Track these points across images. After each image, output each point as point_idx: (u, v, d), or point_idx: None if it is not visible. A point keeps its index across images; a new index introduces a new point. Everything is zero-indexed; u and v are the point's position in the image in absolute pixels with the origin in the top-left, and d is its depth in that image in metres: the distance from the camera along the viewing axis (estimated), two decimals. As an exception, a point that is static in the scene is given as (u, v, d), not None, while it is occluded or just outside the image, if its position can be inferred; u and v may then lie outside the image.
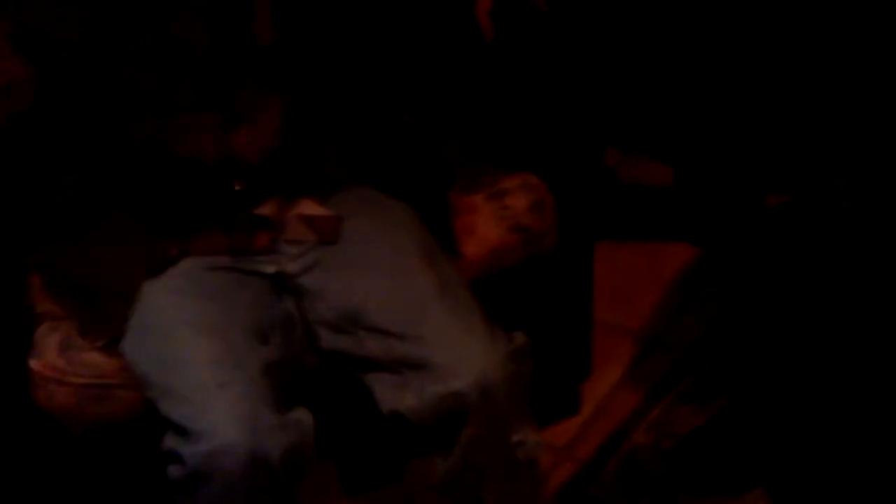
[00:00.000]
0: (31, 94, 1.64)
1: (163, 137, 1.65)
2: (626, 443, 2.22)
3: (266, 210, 1.73)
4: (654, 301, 2.48)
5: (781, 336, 2.31)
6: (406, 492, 1.90)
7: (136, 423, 1.67)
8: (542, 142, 2.07)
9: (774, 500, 2.08)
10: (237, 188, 1.72)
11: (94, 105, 1.65)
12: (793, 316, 2.32)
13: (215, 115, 1.67)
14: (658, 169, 2.67)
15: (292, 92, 1.71)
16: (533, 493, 1.76)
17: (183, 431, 1.55)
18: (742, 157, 2.56)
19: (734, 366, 2.31)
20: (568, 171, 2.11)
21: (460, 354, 1.62)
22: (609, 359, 2.36)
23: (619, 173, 2.66)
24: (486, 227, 1.93)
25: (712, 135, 2.54)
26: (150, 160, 1.67)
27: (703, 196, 2.63)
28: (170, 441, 1.56)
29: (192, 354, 1.60)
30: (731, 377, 2.29)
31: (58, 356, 1.68)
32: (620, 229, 2.60)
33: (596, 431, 2.25)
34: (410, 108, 1.86)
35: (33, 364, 1.69)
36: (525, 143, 2.06)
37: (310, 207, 1.75)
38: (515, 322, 2.10)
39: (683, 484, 2.12)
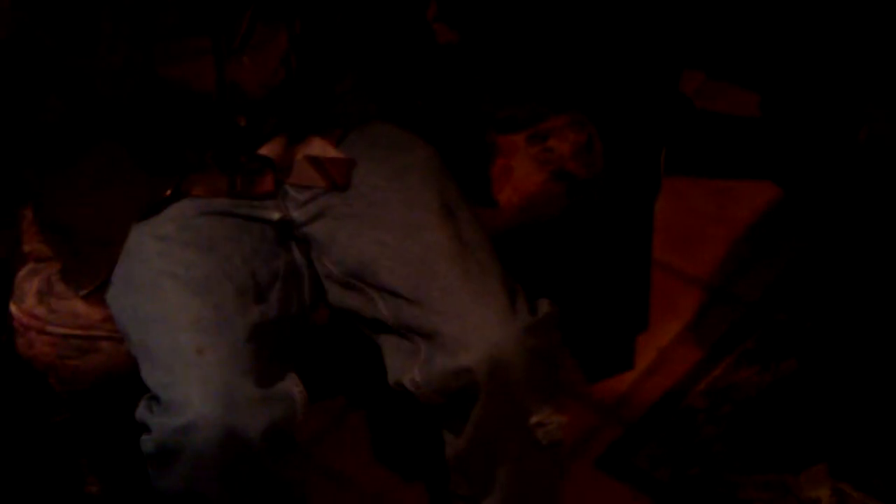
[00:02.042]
0: (10, 21, 1.48)
1: (149, 63, 1.48)
2: (680, 404, 2.03)
3: (271, 150, 1.56)
4: (724, 247, 2.25)
5: (862, 296, 2.09)
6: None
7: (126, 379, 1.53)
8: (604, 66, 1.85)
9: (838, 479, 1.88)
10: (241, 124, 1.54)
11: (68, 27, 1.47)
12: (877, 274, 2.09)
13: (213, 41, 1.48)
14: (742, 97, 2.43)
15: (302, 18, 1.52)
16: (553, 476, 1.59)
17: (156, 399, 1.41)
18: (840, 82, 2.29)
19: (806, 325, 2.09)
20: (631, 100, 1.88)
21: (471, 326, 1.44)
22: (670, 309, 2.15)
23: (696, 101, 2.41)
24: (524, 172, 1.73)
25: (808, 55, 2.28)
26: (134, 87, 1.49)
27: (792, 128, 2.37)
28: (142, 408, 1.43)
29: (173, 313, 1.44)
30: (802, 338, 2.08)
31: (38, 303, 1.55)
32: (693, 164, 2.37)
33: (648, 390, 2.06)
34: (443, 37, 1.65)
35: (13, 309, 1.56)
36: (579, 70, 1.84)
37: (319, 148, 1.57)
38: (563, 266, 1.94)
39: (737, 455, 1.93)
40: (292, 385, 1.45)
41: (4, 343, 1.55)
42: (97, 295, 1.53)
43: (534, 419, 1.49)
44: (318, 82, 1.56)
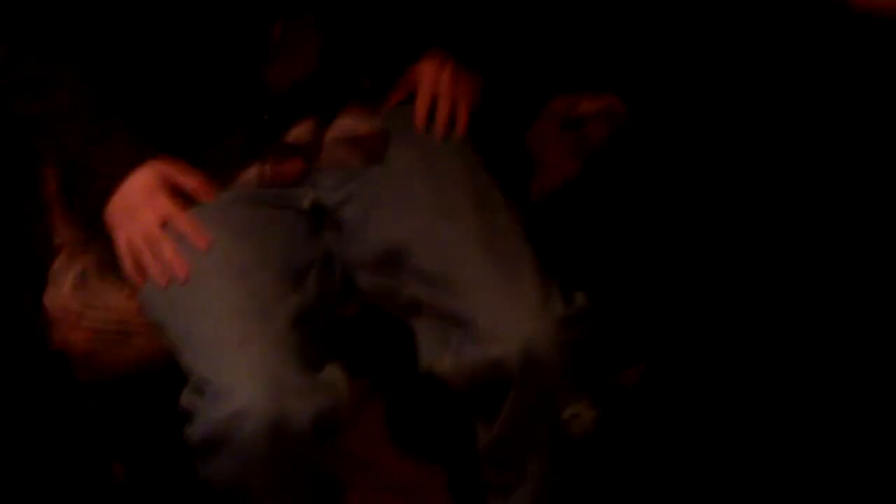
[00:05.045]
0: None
1: (182, 75, 1.49)
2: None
3: (299, 135, 1.54)
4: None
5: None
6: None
7: (159, 373, 1.53)
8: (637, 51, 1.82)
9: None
10: (264, 118, 1.53)
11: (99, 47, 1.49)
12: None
13: (248, 52, 1.48)
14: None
15: (332, 23, 1.51)
16: (588, 467, 1.57)
17: (200, 389, 1.39)
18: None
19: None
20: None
21: (504, 317, 1.41)
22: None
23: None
24: (558, 159, 1.71)
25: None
26: (166, 93, 1.50)
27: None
28: (187, 398, 1.41)
29: (213, 302, 1.42)
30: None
31: (72, 295, 1.55)
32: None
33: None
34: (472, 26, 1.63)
35: (47, 301, 1.56)
36: (615, 54, 1.81)
37: (350, 127, 1.55)
38: (590, 260, 1.91)
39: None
40: (337, 373, 1.43)
41: (38, 335, 1.56)
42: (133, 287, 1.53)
43: (567, 413, 1.47)
44: (345, 75, 1.54)
